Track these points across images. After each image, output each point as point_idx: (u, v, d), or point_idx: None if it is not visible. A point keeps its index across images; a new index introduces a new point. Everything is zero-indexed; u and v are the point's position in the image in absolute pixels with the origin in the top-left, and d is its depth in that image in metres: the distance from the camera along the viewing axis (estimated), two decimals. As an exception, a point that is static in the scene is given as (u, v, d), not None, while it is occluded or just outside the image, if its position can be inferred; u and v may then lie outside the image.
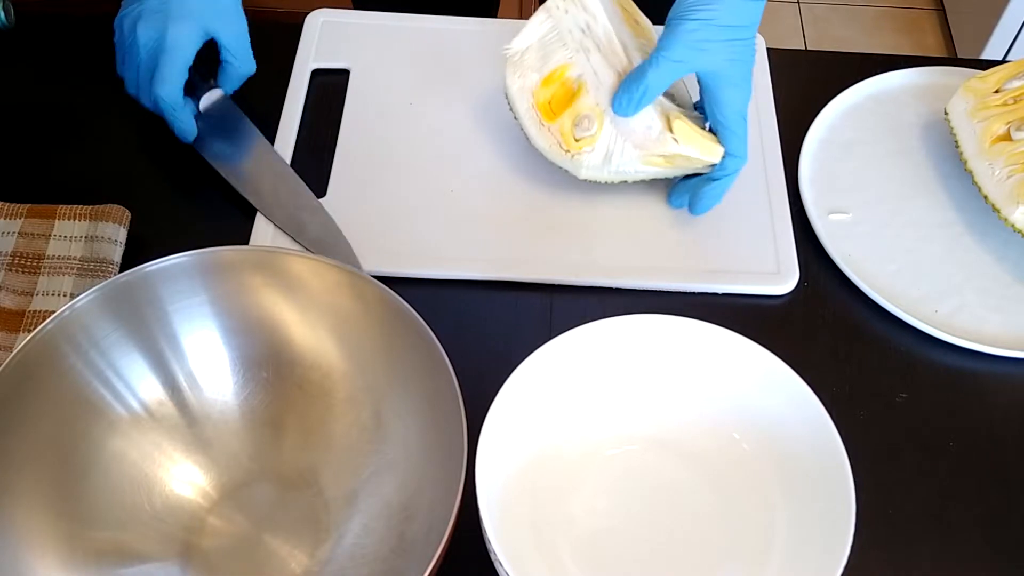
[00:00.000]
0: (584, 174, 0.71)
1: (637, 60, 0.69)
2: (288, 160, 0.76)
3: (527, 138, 0.72)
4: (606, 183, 0.72)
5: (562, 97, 0.71)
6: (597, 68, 0.69)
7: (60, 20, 0.85)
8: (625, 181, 0.72)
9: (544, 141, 0.71)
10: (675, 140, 0.69)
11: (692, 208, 0.72)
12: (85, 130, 0.79)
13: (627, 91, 0.67)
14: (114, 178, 0.76)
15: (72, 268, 0.67)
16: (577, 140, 0.70)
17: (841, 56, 0.88)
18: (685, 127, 0.69)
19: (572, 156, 0.70)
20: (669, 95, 0.73)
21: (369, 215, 0.73)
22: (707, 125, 0.71)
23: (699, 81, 0.69)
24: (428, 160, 0.76)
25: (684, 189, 0.73)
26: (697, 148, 0.69)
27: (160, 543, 0.58)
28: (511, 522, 0.55)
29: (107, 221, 0.69)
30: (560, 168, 0.72)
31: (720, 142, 0.70)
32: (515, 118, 0.72)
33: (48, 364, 0.56)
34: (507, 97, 0.72)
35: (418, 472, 0.57)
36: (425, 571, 0.48)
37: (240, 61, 0.75)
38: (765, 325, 0.69)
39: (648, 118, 0.69)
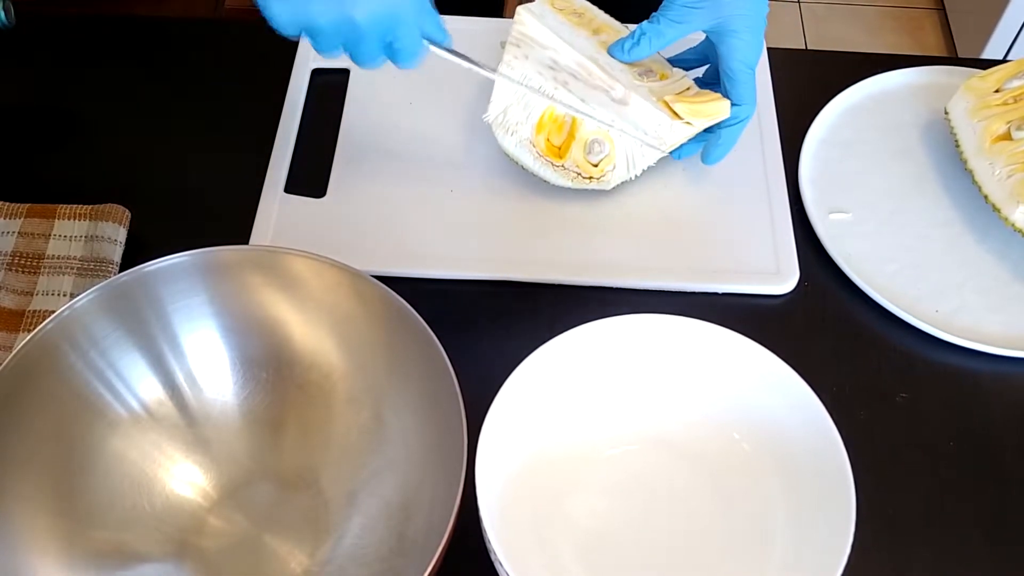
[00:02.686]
0: (613, 185, 0.72)
1: (613, 64, 0.70)
2: (288, 160, 0.76)
3: (546, 181, 0.73)
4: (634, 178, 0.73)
5: (561, 134, 0.71)
6: (583, 95, 0.70)
7: (60, 20, 0.85)
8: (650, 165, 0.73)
9: (565, 179, 0.72)
10: (688, 123, 0.69)
11: (705, 158, 0.73)
12: (85, 130, 0.79)
13: (625, 38, 0.69)
14: (114, 178, 0.76)
15: (72, 268, 0.67)
16: (595, 165, 0.71)
17: (841, 56, 0.88)
18: (687, 106, 0.69)
19: (598, 179, 0.71)
20: (647, 71, 0.72)
21: (369, 215, 0.73)
22: (685, 81, 0.72)
23: (706, 35, 0.70)
24: (428, 160, 0.76)
25: (689, 141, 0.73)
26: (708, 117, 0.70)
27: (160, 543, 0.58)
28: (511, 522, 0.55)
29: (107, 221, 0.69)
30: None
31: (725, 94, 0.70)
32: (525, 169, 0.73)
33: (48, 364, 0.56)
34: (508, 156, 0.73)
35: (418, 472, 0.57)
36: (425, 571, 0.48)
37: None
38: (765, 325, 0.69)
39: (653, 116, 0.69)
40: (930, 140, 0.79)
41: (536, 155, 0.72)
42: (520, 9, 0.71)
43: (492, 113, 0.72)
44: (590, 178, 0.71)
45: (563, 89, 0.70)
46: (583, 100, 0.69)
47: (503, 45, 0.71)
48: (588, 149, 0.70)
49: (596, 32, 0.73)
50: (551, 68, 0.70)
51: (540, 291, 0.71)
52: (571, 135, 0.71)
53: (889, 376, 0.68)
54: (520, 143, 0.72)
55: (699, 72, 0.75)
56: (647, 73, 0.72)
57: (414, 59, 0.60)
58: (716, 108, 0.70)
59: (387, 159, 0.76)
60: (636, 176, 0.72)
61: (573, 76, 0.69)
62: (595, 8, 0.76)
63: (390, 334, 0.58)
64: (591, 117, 0.69)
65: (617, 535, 0.59)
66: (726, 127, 0.71)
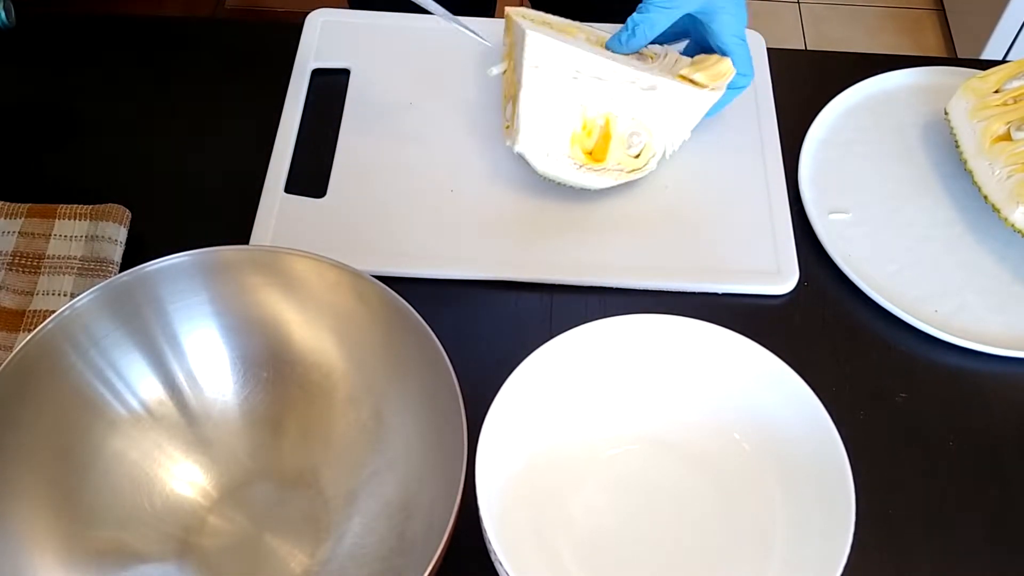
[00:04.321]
0: (648, 171, 0.73)
1: (619, 58, 0.70)
2: (288, 160, 0.76)
3: (584, 188, 0.72)
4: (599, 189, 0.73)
5: (592, 138, 0.72)
6: (612, 93, 0.70)
7: (60, 20, 0.85)
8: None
9: (609, 179, 0.72)
10: (712, 89, 0.71)
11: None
12: (85, 130, 0.79)
13: (620, 32, 0.71)
14: (114, 178, 0.76)
15: (72, 268, 0.68)
16: (637, 156, 0.72)
17: (841, 56, 0.88)
18: (703, 74, 0.71)
19: (641, 169, 0.73)
20: (640, 55, 0.74)
21: (369, 215, 0.73)
22: (673, 54, 0.74)
23: (693, 16, 0.71)
24: (428, 160, 0.77)
25: None
26: (724, 77, 0.72)
27: (160, 542, 0.58)
28: (511, 522, 0.55)
29: (107, 221, 0.69)
30: None
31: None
32: (560, 184, 0.72)
33: (48, 364, 0.56)
34: (544, 177, 0.72)
35: (418, 472, 0.57)
36: (425, 571, 0.48)
37: None
38: (765, 325, 0.69)
39: (679, 95, 0.71)
40: (930, 140, 0.79)
41: (578, 166, 0.71)
42: (528, 32, 0.70)
43: (523, 143, 0.70)
44: (632, 171, 0.72)
45: (589, 96, 0.70)
46: (613, 99, 0.70)
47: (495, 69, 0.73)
48: (628, 144, 0.71)
49: (574, 36, 0.74)
50: (574, 79, 0.70)
51: (540, 291, 0.71)
52: (605, 135, 0.71)
53: (889, 376, 0.68)
54: (559, 161, 0.71)
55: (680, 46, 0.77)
56: (642, 58, 0.74)
57: None
58: (725, 67, 0.72)
59: (387, 159, 0.76)
60: (671, 154, 0.74)
61: (598, 79, 0.70)
62: (552, 16, 0.76)
63: (390, 334, 0.58)
64: (623, 102, 0.71)
65: (617, 535, 0.59)
66: (726, 89, 0.73)
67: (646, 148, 0.72)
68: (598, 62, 0.70)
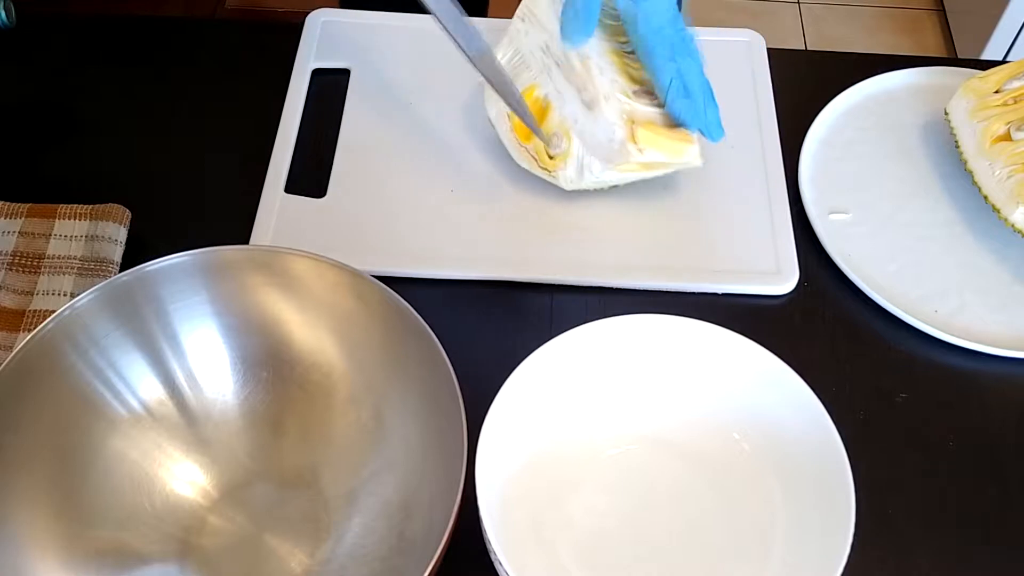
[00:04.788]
0: (567, 186, 0.72)
1: (604, 70, 0.69)
2: (288, 160, 0.76)
3: (512, 159, 0.73)
4: (595, 190, 0.73)
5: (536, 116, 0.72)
6: (559, 86, 0.70)
7: (60, 20, 0.85)
8: (616, 186, 0.72)
9: (525, 161, 0.72)
10: (639, 150, 0.68)
11: (709, 135, 0.70)
12: (85, 130, 0.79)
13: (566, 19, 0.67)
14: (114, 178, 0.76)
15: (72, 268, 0.68)
16: (552, 157, 0.71)
17: (841, 56, 0.88)
18: (648, 134, 0.68)
19: (551, 172, 0.71)
20: (647, 92, 0.71)
21: (369, 215, 0.73)
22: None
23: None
24: (428, 160, 0.77)
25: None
26: (664, 152, 0.69)
27: (160, 542, 0.58)
28: (511, 522, 0.55)
29: (107, 220, 0.69)
30: None
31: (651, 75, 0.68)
32: (500, 140, 0.74)
33: (48, 364, 0.56)
34: (489, 122, 0.74)
35: (418, 472, 0.57)
36: (425, 570, 0.48)
37: None
38: (765, 325, 0.69)
39: (610, 129, 0.69)
40: (930, 140, 0.79)
41: (508, 129, 0.72)
42: None
43: (502, 57, 0.73)
44: (545, 169, 0.72)
45: (544, 74, 0.71)
46: (559, 92, 0.70)
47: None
48: (549, 141, 0.71)
49: (611, 37, 0.72)
50: (543, 51, 0.70)
51: (540, 291, 0.71)
52: (539, 121, 0.71)
53: (889, 376, 0.68)
54: (499, 114, 0.73)
55: None
56: (646, 95, 0.70)
57: None
58: (678, 148, 0.69)
59: (387, 159, 0.76)
60: (593, 184, 0.71)
61: (557, 65, 0.70)
62: None
63: (390, 334, 0.58)
64: (564, 102, 0.70)
65: (617, 535, 0.59)
66: (681, 101, 0.67)
67: (560, 156, 0.70)
68: (565, 50, 0.70)
